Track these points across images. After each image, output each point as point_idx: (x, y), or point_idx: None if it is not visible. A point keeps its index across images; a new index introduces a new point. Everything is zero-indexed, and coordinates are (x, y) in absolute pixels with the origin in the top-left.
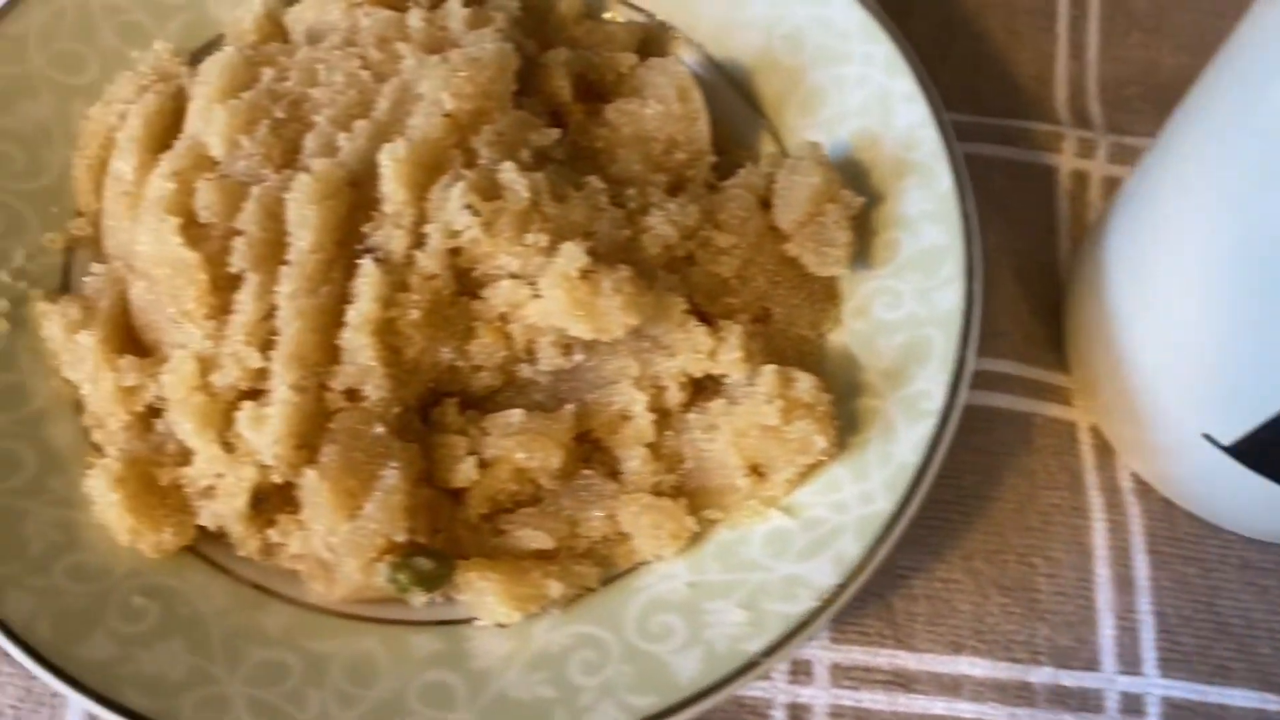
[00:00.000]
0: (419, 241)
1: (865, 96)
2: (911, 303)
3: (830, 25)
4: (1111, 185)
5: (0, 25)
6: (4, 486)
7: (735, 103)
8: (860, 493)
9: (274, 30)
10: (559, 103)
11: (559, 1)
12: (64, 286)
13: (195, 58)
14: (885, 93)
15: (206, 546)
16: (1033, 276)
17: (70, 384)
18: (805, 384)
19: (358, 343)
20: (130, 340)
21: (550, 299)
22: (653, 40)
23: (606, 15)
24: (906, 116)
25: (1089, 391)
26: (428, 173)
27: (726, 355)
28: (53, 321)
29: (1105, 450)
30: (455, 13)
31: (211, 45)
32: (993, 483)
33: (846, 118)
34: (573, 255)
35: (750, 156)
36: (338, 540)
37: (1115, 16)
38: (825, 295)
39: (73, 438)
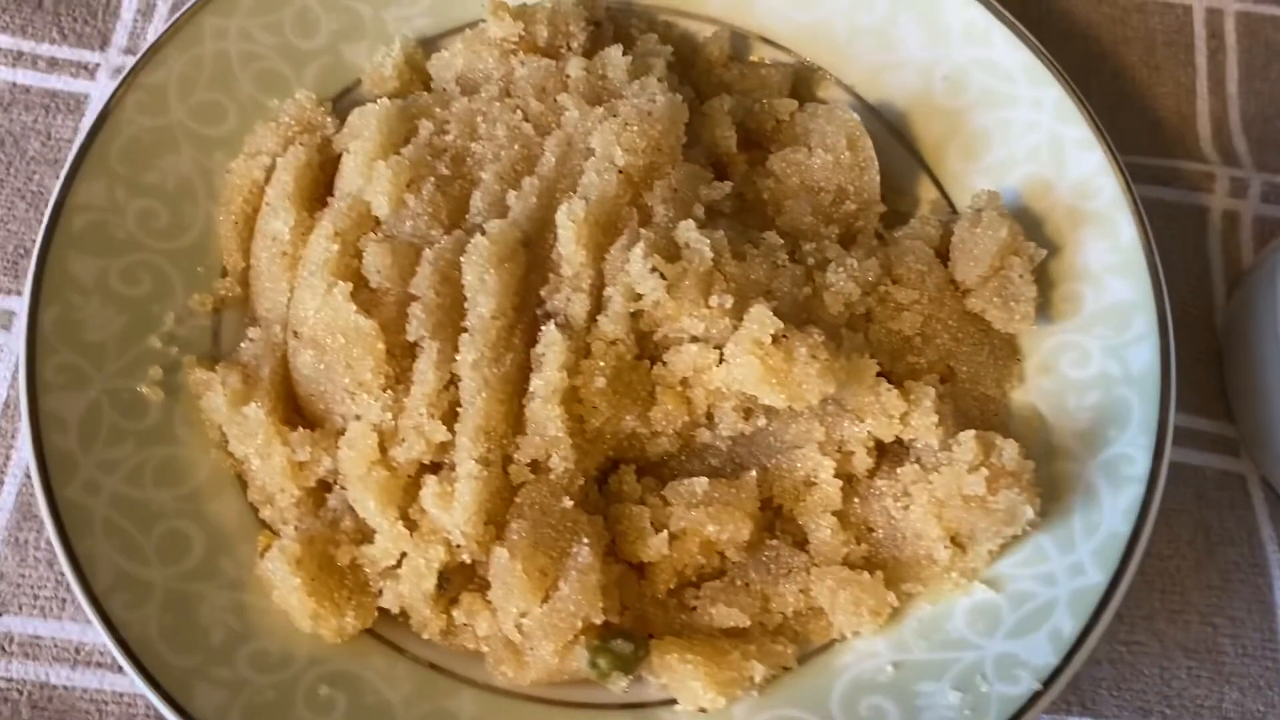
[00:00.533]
0: (599, 305)
1: (1035, 142)
2: (1101, 360)
3: (994, 67)
4: (1264, 226)
5: (139, 75)
6: (176, 570)
7: (892, 147)
8: (1069, 564)
9: (414, 76)
10: (721, 153)
11: (706, 44)
12: (213, 351)
13: (335, 105)
14: (1057, 138)
15: (383, 627)
16: (1189, 321)
17: (231, 456)
18: (1010, 451)
19: (546, 413)
20: (293, 410)
21: (740, 366)
22: (801, 83)
23: (751, 59)
24: (1081, 164)
25: (1257, 442)
26: (605, 232)
27: (920, 419)
28: (216, 393)
29: (1277, 503)
30: (615, 61)
31: (348, 92)
32: (1168, 539)
33: (1015, 164)
34: (764, 320)
35: (909, 204)
36: (531, 622)
37: (1253, 48)
38: (1007, 352)
39: (238, 515)
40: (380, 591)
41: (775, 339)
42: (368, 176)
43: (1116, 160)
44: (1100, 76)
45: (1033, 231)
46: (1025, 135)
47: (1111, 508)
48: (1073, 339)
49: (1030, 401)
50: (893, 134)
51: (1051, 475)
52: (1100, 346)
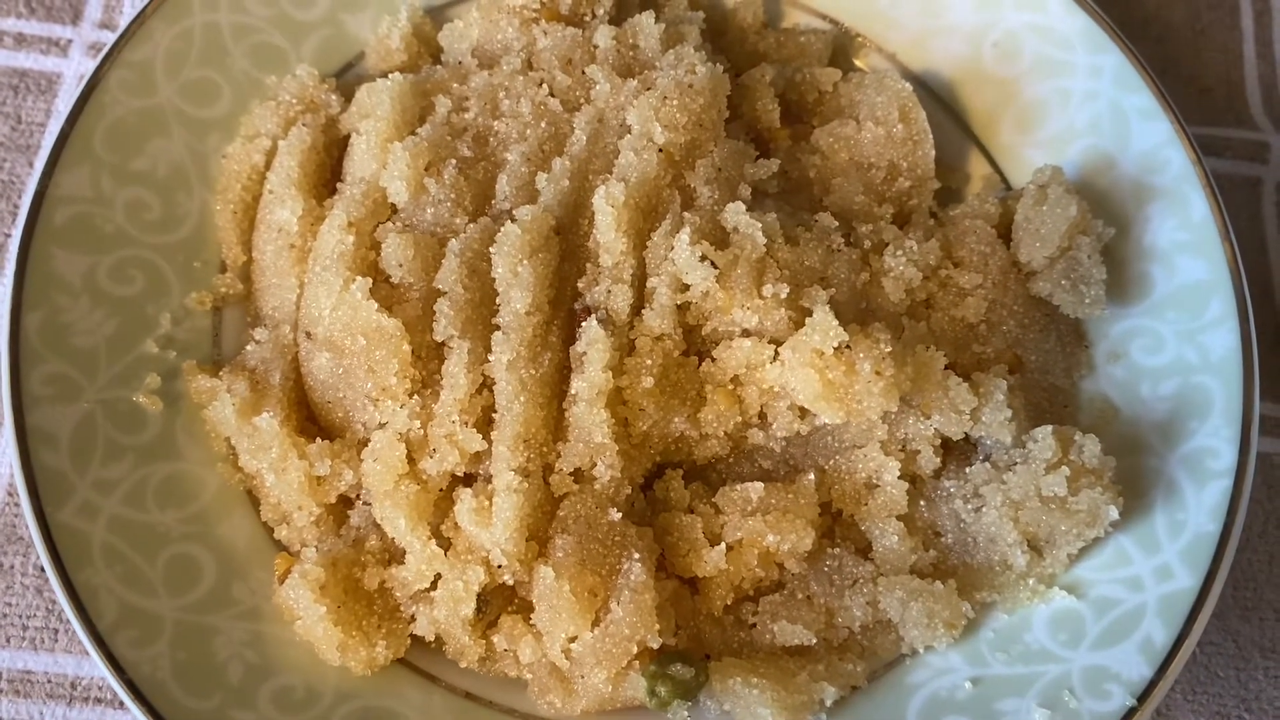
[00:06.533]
0: (642, 297)
1: (1094, 112)
2: (1176, 346)
3: (1048, 33)
4: None
5: (123, 52)
6: (186, 600)
7: (939, 120)
8: (1155, 567)
9: (423, 49)
10: (763, 128)
11: (737, 10)
12: (214, 354)
13: (338, 81)
14: (1118, 108)
15: (415, 656)
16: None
17: (240, 472)
18: (1090, 447)
19: (590, 418)
20: (307, 419)
21: (798, 378)
22: (839, 51)
23: (783, 26)
24: (1146, 135)
25: None
26: (646, 217)
27: (993, 415)
28: (223, 402)
29: None
30: (647, 30)
31: (351, 66)
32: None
33: (1073, 137)
34: (827, 328)
35: (959, 180)
36: (581, 648)
37: None
38: (1073, 339)
39: (250, 536)
40: (413, 617)
41: (839, 351)
42: (382, 160)
43: (1184, 130)
44: (1145, 43)
45: (1095, 209)
46: (1084, 105)
47: (1196, 505)
48: (1143, 324)
49: (1101, 391)
50: (940, 105)
51: (1128, 470)
52: (1174, 331)
